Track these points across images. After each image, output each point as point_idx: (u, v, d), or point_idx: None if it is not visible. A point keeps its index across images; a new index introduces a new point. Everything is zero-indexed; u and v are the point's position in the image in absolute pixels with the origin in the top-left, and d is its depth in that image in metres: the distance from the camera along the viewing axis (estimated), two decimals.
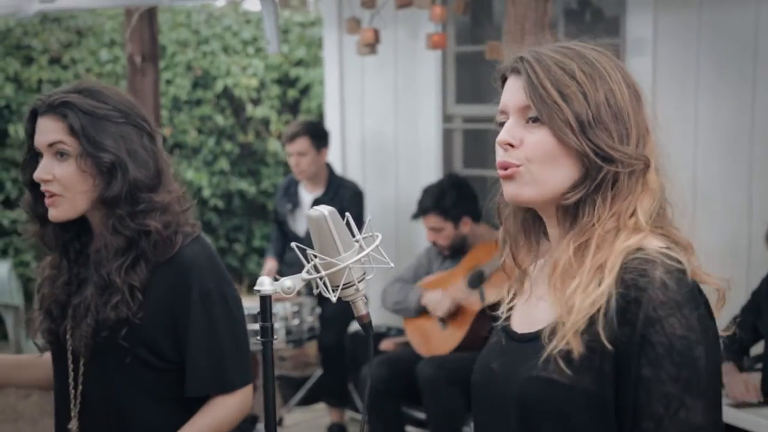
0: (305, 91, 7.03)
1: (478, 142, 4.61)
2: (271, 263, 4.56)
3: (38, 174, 1.75)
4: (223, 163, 6.79)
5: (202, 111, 6.78)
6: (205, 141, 6.81)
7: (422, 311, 3.70)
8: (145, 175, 1.76)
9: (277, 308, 3.86)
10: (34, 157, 1.81)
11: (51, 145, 1.75)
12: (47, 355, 1.92)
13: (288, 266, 4.54)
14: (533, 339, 1.26)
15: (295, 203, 4.47)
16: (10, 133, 6.29)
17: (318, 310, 4.19)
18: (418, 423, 3.71)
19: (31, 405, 5.58)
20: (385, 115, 4.70)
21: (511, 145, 1.26)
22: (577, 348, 1.17)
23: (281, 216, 4.55)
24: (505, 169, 1.27)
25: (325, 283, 1.33)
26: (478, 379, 1.36)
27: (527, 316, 1.31)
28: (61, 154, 1.75)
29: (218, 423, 1.78)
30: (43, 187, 1.76)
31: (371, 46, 3.94)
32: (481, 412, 1.35)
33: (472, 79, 4.56)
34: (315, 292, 1.39)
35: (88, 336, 1.73)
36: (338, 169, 4.67)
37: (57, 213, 1.76)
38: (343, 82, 4.84)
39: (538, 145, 1.24)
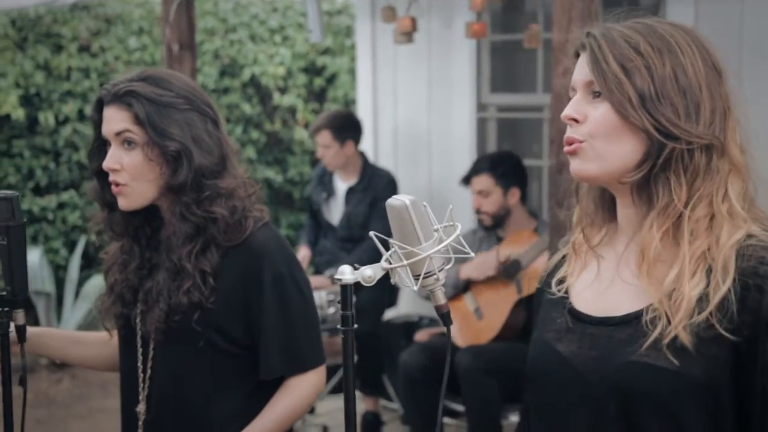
0: (332, 79, 7.02)
1: (513, 132, 4.60)
2: (303, 251, 4.57)
3: (107, 163, 1.76)
4: (250, 152, 6.80)
5: (229, 99, 6.79)
6: (232, 129, 6.82)
7: (462, 289, 3.69)
8: (210, 162, 1.77)
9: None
10: (101, 145, 1.82)
11: (118, 134, 1.76)
12: (105, 335, 1.94)
13: (319, 255, 4.56)
14: (621, 324, 1.24)
15: (330, 192, 4.48)
16: (40, 121, 6.32)
17: (354, 298, 4.19)
18: (453, 414, 3.72)
19: (63, 391, 5.63)
20: (418, 104, 4.69)
21: (576, 121, 1.26)
22: (687, 339, 1.17)
23: (316, 204, 4.56)
24: (570, 144, 1.27)
25: (406, 273, 1.34)
26: (541, 362, 1.33)
27: (601, 298, 1.29)
28: (129, 143, 1.76)
29: (296, 403, 1.80)
30: (111, 178, 1.77)
31: (408, 35, 3.92)
32: (546, 395, 1.32)
33: (507, 68, 4.55)
34: (393, 281, 1.39)
35: (161, 320, 1.75)
36: (370, 158, 4.67)
37: (126, 202, 1.77)
38: (375, 71, 4.84)
39: (600, 120, 1.24)
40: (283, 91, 6.92)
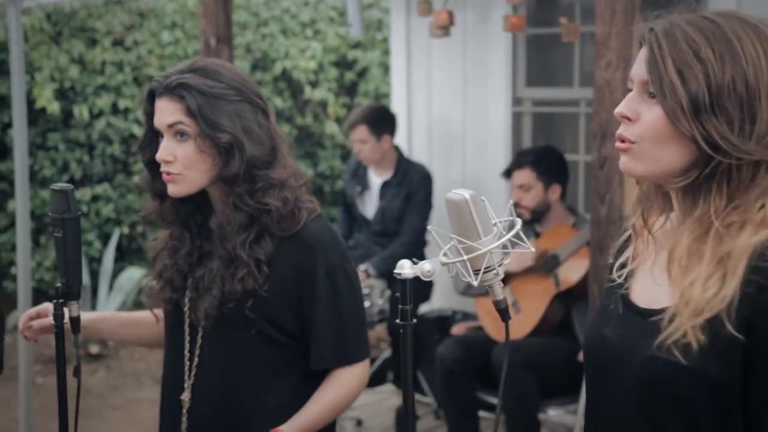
0: (363, 73, 7.02)
1: (548, 126, 4.57)
2: None
3: (161, 155, 1.77)
4: None
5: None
6: None
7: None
8: (261, 153, 1.77)
9: None
10: (153, 137, 1.83)
11: (171, 126, 1.77)
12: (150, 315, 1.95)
13: (353, 249, 4.56)
14: (652, 316, 1.25)
15: (365, 186, 4.48)
16: (75, 114, 6.38)
17: (388, 292, 4.20)
18: (489, 407, 3.72)
19: (98, 381, 5.69)
20: (452, 98, 4.68)
21: (629, 119, 1.24)
22: (696, 339, 1.17)
23: (350, 198, 4.56)
24: (622, 141, 1.26)
25: (465, 268, 1.34)
26: (592, 344, 1.36)
27: (648, 290, 1.30)
28: (181, 135, 1.77)
29: (344, 395, 1.81)
30: (163, 168, 1.78)
31: (445, 29, 3.92)
32: (595, 377, 1.35)
33: (544, 62, 4.52)
34: (450, 275, 1.39)
35: (214, 307, 1.76)
36: (404, 152, 4.66)
37: (176, 189, 1.78)
38: (410, 64, 4.83)
39: (651, 123, 1.22)
40: (314, 84, 6.93)
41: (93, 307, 6.12)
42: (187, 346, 1.84)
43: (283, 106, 6.87)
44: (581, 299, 3.34)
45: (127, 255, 6.68)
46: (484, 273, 1.34)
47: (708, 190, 1.21)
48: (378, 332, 4.98)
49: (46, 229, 6.27)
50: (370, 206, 4.45)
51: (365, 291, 4.05)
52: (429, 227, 1.39)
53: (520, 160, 3.70)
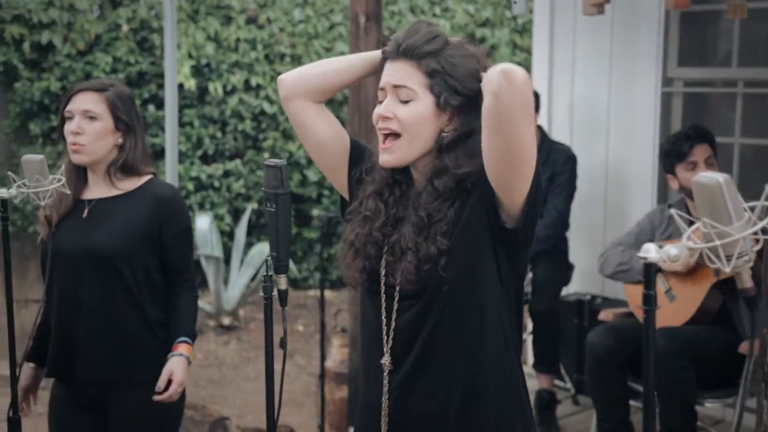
0: (491, 51, 6.94)
1: (701, 107, 4.41)
2: None
3: (380, 110, 1.76)
4: None
5: None
6: None
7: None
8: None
9: None
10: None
11: (396, 87, 1.75)
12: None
13: None
14: None
15: None
16: (210, 91, 6.53)
17: (530, 275, 4.15)
18: (639, 395, 3.63)
19: (231, 352, 5.84)
20: (597, 77, 4.56)
21: None
22: None
23: None
24: None
25: (716, 253, 1.29)
26: None
27: None
28: (405, 101, 1.75)
29: None
30: (381, 124, 1.76)
31: (599, 6, 3.80)
32: None
33: (699, 40, 4.35)
34: (692, 260, 1.34)
35: (410, 272, 1.75)
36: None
37: (390, 158, 1.77)
38: (552, 44, 4.73)
39: None
40: None
41: (225, 282, 6.28)
42: (383, 312, 1.83)
43: None
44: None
45: (254, 230, 6.82)
46: (737, 259, 1.29)
47: None
48: None
49: None
50: None
51: None
52: (671, 210, 1.34)
53: (698, 133, 3.50)
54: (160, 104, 6.25)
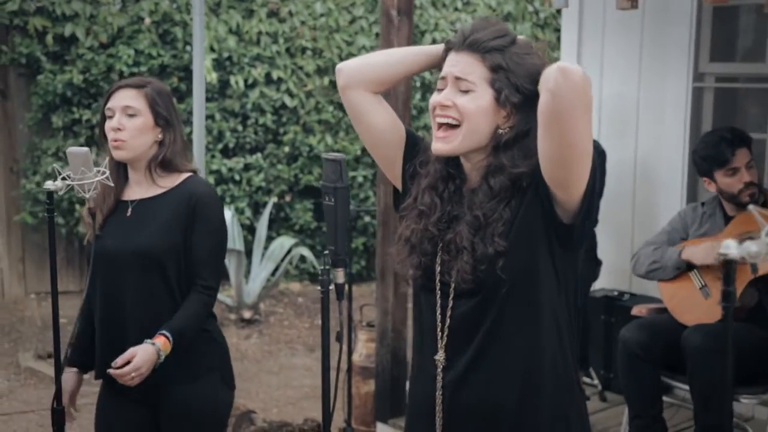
0: None
1: (732, 103, 4.38)
2: None
3: (437, 98, 1.74)
4: (428, 119, 6.81)
5: None
6: (411, 96, 6.83)
7: (682, 269, 3.55)
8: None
9: None
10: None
11: (458, 78, 1.74)
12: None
13: None
14: None
15: None
16: (231, 84, 6.52)
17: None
18: (670, 390, 3.61)
19: (253, 346, 5.84)
20: (626, 73, 4.53)
21: None
22: None
23: None
24: None
25: None
26: None
27: None
28: (465, 92, 1.73)
29: None
30: (439, 112, 1.75)
31: (633, 0, 3.78)
32: None
33: (731, 35, 4.32)
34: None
35: (467, 271, 1.74)
36: None
37: (445, 147, 1.75)
38: (581, 39, 4.70)
39: None
40: None
41: (246, 275, 6.28)
42: (438, 309, 1.82)
43: (431, 78, 6.84)
44: None
45: (274, 224, 6.82)
46: None
47: None
48: None
49: None
50: None
51: None
52: (750, 207, 1.33)
53: (738, 138, 3.48)
54: (181, 97, 6.24)
